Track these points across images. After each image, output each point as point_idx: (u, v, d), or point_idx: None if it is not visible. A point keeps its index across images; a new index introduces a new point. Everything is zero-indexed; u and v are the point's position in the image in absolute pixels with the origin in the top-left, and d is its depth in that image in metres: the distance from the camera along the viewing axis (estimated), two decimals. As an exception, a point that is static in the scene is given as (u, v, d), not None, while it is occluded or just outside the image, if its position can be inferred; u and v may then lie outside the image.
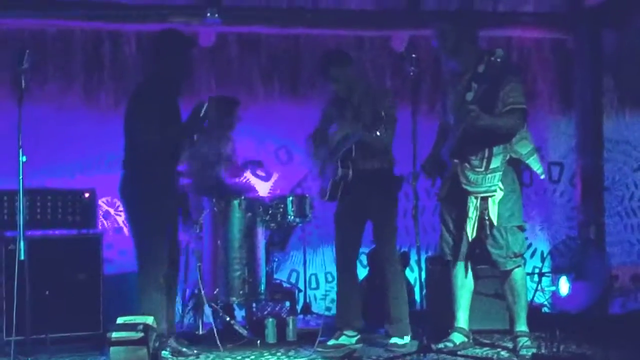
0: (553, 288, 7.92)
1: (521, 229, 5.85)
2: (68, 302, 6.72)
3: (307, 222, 7.40)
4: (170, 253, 5.97)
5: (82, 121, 8.18)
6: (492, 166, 5.70)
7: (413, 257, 7.97)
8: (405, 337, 6.18)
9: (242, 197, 7.08)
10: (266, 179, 7.92)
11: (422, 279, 6.00)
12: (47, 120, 8.00)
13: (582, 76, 8.46)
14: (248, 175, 8.10)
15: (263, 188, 8.31)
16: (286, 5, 8.16)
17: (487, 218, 5.71)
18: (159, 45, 6.05)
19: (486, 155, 5.70)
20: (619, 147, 8.90)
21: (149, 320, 5.40)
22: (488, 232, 5.73)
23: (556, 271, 7.91)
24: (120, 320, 5.44)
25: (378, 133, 5.84)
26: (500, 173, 5.70)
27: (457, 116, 5.73)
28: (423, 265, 6.56)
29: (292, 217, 7.16)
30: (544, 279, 7.96)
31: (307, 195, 7.37)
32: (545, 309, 7.70)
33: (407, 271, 8.07)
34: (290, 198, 7.19)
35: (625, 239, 8.87)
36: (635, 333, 6.53)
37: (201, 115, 5.82)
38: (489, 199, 5.70)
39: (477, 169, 5.73)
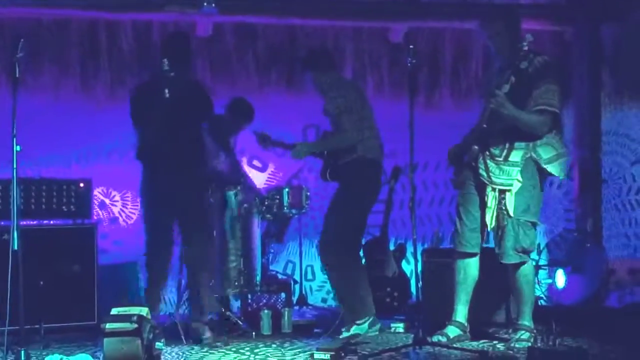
0: (550, 281, 7.90)
1: (533, 225, 5.82)
2: (62, 293, 6.71)
3: (303, 213, 7.37)
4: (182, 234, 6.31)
5: (78, 111, 8.14)
6: (511, 159, 5.68)
7: (409, 249, 7.95)
8: (352, 328, 6.23)
9: (238, 188, 7.05)
10: (262, 169, 7.90)
11: (419, 271, 5.98)
12: (43, 110, 7.96)
13: (580, 69, 8.44)
14: (244, 166, 8.08)
15: (259, 179, 8.29)
16: (283, -5, 8.14)
17: (504, 208, 5.69)
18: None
19: (507, 146, 5.69)
20: (617, 140, 8.86)
21: (144, 311, 5.38)
22: (503, 222, 5.71)
23: (553, 264, 7.89)
24: (114, 311, 5.41)
25: None
26: (519, 169, 5.67)
27: (486, 104, 5.71)
28: (419, 257, 6.58)
29: (288, 209, 7.12)
30: (540, 271, 7.94)
31: (303, 186, 7.33)
32: (541, 302, 7.67)
33: (404, 263, 8.07)
34: (287, 189, 7.13)
35: (622, 232, 8.84)
36: (632, 326, 6.52)
37: None
38: (506, 191, 5.69)
39: (497, 158, 5.70)
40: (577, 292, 7.60)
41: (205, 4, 7.54)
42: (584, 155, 8.37)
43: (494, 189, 5.72)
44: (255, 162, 8.59)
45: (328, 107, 6.30)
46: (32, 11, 7.79)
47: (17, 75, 5.39)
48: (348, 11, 8.29)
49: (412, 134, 5.56)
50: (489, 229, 5.79)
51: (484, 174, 5.75)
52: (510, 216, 5.68)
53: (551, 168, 5.74)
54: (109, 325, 5.27)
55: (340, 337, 6.16)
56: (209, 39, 8.36)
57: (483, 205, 5.83)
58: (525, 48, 5.43)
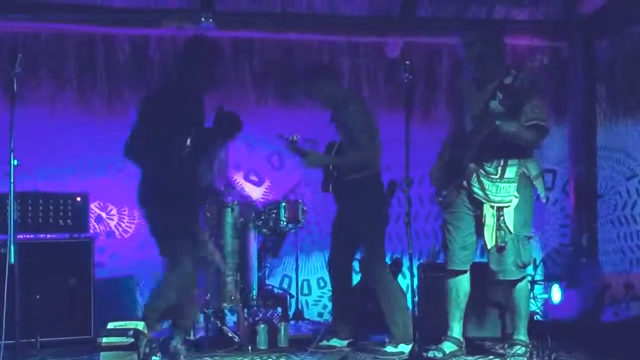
0: (545, 296, 7.90)
1: (529, 239, 5.84)
2: (59, 306, 6.72)
3: (300, 227, 7.38)
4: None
5: (75, 124, 8.14)
6: (507, 176, 5.70)
7: (405, 264, 7.95)
8: (399, 345, 6.14)
9: (235, 203, 7.06)
10: (258, 184, 7.90)
11: (414, 286, 5.99)
12: (40, 124, 7.95)
13: (575, 84, 8.45)
14: (240, 180, 8.08)
15: (255, 193, 8.30)
16: (280, 10, 8.14)
17: (503, 226, 5.69)
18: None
19: (502, 163, 5.71)
20: (612, 155, 8.88)
21: (140, 325, 5.38)
22: (504, 239, 5.70)
23: (548, 279, 7.89)
24: (110, 325, 5.42)
25: None
26: (515, 184, 5.70)
27: (479, 122, 5.71)
28: (415, 272, 6.58)
29: (285, 223, 7.13)
30: (536, 286, 7.94)
31: (299, 200, 7.35)
32: (537, 317, 7.67)
33: (400, 278, 8.06)
34: (283, 204, 7.16)
35: (618, 247, 8.85)
36: (628, 341, 6.52)
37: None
38: (504, 208, 5.69)
39: (492, 176, 5.72)
40: (573, 307, 7.59)
41: (202, 19, 7.56)
42: (580, 171, 8.37)
43: (492, 207, 5.73)
44: (252, 177, 8.60)
45: (348, 120, 6.26)
46: (29, 25, 7.79)
47: (15, 90, 5.42)
48: (344, 26, 8.29)
49: (408, 149, 5.57)
50: (488, 247, 5.76)
51: (480, 192, 5.76)
52: (510, 232, 5.69)
53: (538, 185, 5.79)
54: (105, 340, 5.28)
55: (385, 349, 6.15)
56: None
57: (477, 223, 5.84)
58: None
